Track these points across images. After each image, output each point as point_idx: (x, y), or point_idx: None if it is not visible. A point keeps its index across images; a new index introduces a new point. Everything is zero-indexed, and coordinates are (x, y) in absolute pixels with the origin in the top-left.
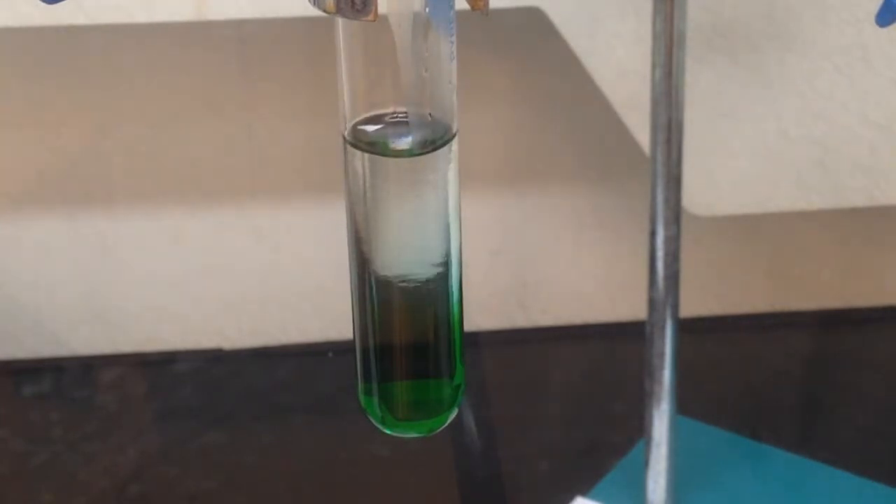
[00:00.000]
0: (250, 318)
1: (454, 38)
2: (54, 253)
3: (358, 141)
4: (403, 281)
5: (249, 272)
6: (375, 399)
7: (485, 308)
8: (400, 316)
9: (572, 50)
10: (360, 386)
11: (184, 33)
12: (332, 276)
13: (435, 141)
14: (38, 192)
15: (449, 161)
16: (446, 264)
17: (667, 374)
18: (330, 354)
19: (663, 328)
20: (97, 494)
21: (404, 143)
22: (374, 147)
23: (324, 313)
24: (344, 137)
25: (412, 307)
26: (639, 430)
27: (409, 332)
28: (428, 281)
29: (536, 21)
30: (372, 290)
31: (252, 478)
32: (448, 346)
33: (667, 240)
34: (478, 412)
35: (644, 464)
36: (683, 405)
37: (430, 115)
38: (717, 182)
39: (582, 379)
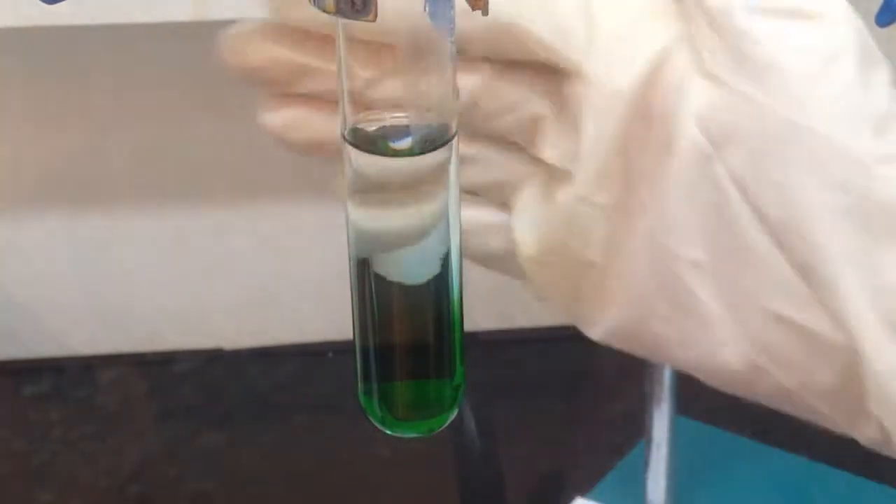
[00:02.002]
0: (250, 318)
1: (454, 38)
2: (54, 253)
3: (358, 141)
4: (403, 281)
5: (249, 272)
6: (375, 399)
7: (485, 308)
8: (400, 316)
9: None
10: (360, 386)
11: (184, 33)
12: (332, 276)
13: (435, 141)
14: (38, 192)
15: (449, 161)
16: (446, 264)
17: (667, 374)
18: (330, 354)
19: None
20: (97, 494)
21: (404, 143)
22: (374, 147)
23: (324, 313)
24: (344, 137)
25: (412, 307)
26: (639, 430)
27: (409, 332)
28: (428, 281)
29: None
30: (372, 290)
31: (252, 478)
32: (448, 346)
33: None
34: (478, 412)
35: (644, 464)
36: (683, 405)
37: (430, 115)
38: None
39: (582, 379)
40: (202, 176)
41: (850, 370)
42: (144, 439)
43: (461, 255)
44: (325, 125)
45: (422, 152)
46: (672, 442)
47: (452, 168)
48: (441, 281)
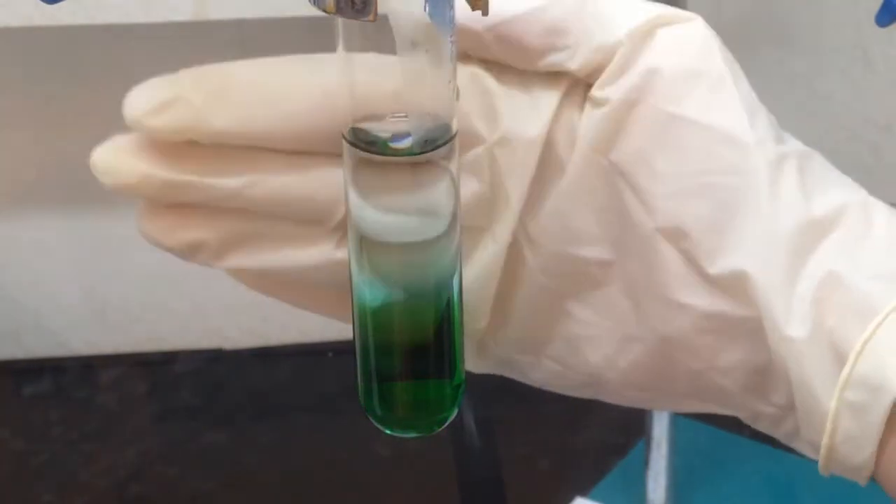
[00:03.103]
0: (250, 318)
1: (454, 38)
2: (54, 253)
3: (358, 141)
4: (403, 280)
5: None
6: (375, 399)
7: None
8: (400, 316)
9: None
10: (361, 386)
11: (184, 33)
12: None
13: (435, 141)
14: (38, 192)
15: (449, 160)
16: (446, 263)
17: None
18: (330, 354)
19: None
20: (97, 494)
21: (404, 143)
22: (374, 147)
23: None
24: (344, 137)
25: (412, 307)
26: (639, 430)
27: (409, 332)
28: (428, 280)
29: None
30: (371, 290)
31: (252, 478)
32: (448, 347)
33: None
34: (478, 412)
35: (644, 464)
36: None
37: (430, 115)
38: None
39: None
40: None
41: (753, 341)
42: (144, 439)
43: (461, 255)
44: (202, 229)
45: (422, 152)
46: (672, 442)
47: (452, 167)
48: (441, 280)
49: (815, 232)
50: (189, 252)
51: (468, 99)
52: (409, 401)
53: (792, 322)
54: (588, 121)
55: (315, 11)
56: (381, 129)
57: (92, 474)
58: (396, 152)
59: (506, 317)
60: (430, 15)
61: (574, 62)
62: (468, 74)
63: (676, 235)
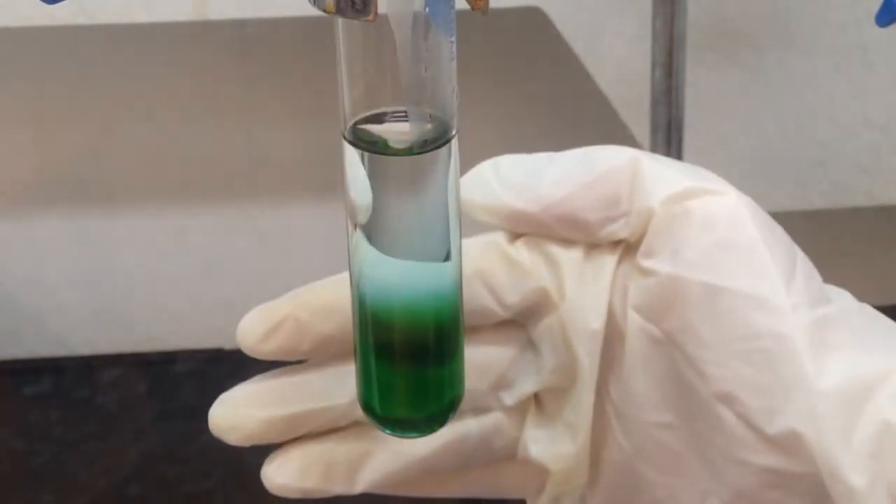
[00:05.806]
0: None
1: (454, 38)
2: (54, 253)
3: (358, 141)
4: (404, 281)
5: (249, 272)
6: (376, 399)
7: None
8: (400, 317)
9: (572, 50)
10: (361, 386)
11: (184, 33)
12: (331, 276)
13: (435, 141)
14: (38, 192)
15: (449, 160)
16: (446, 264)
17: None
18: None
19: None
20: (97, 494)
21: (404, 142)
22: (374, 146)
23: None
24: (344, 137)
25: (412, 308)
26: None
27: (410, 332)
28: (428, 280)
29: (536, 21)
30: (372, 290)
31: (252, 478)
32: (448, 347)
33: None
34: None
35: None
36: None
37: (430, 115)
38: None
39: None
40: (202, 176)
41: (819, 494)
42: (144, 439)
43: (461, 255)
44: (326, 463)
45: (421, 152)
46: None
47: (452, 168)
48: (441, 280)
49: (862, 387)
50: (325, 490)
51: (540, 268)
52: (409, 401)
53: (852, 476)
54: (636, 291)
55: (315, 11)
56: (381, 129)
57: (92, 474)
58: (396, 152)
59: (599, 475)
60: (431, 15)
61: (626, 230)
62: (536, 244)
63: (729, 399)
